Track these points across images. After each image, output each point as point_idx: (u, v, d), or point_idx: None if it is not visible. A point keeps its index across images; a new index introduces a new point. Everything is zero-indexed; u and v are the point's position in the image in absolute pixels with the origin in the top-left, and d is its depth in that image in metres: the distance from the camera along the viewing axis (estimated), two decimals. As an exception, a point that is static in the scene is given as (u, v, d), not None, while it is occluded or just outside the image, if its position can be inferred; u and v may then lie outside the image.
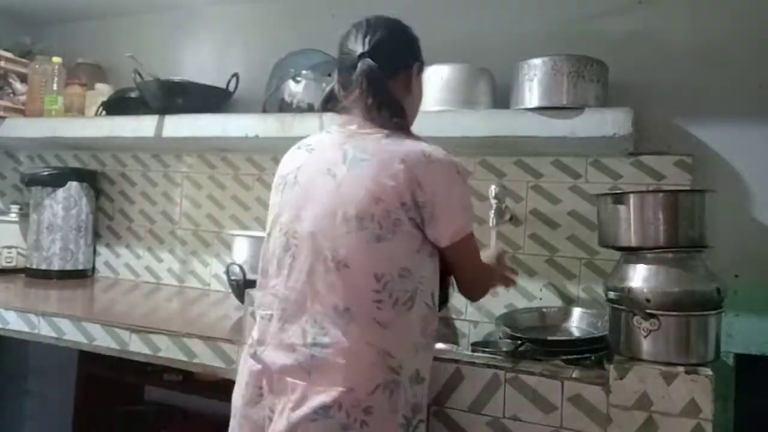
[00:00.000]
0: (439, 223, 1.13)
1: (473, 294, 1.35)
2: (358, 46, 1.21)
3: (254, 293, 1.46)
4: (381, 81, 1.18)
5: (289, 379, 1.11)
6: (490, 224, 1.74)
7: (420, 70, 1.29)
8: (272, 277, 1.19)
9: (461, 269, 1.24)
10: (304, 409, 1.06)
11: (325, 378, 1.07)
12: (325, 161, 1.17)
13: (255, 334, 1.22)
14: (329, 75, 1.91)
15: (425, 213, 1.12)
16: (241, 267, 1.76)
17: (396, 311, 1.09)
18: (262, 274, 1.24)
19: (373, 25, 1.23)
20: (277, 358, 1.14)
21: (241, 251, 1.88)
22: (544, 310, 1.72)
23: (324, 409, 1.05)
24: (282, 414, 1.09)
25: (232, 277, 1.80)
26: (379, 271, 1.09)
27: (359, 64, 1.18)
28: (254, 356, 1.19)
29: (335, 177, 1.14)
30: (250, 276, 1.75)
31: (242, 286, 1.72)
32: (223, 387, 1.58)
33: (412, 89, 1.27)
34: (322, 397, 1.06)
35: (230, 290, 1.88)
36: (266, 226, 1.27)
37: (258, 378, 1.17)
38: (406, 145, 1.14)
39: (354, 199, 1.10)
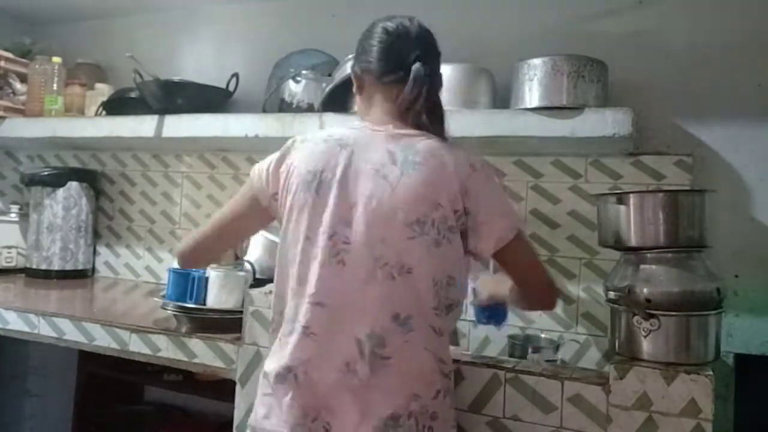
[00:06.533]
0: (482, 231, 1.11)
1: (543, 296, 1.24)
2: (413, 46, 1.18)
3: (254, 293, 1.46)
4: (437, 88, 1.20)
5: (345, 395, 1.05)
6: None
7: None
8: (312, 285, 1.09)
9: (521, 271, 1.20)
10: (373, 422, 1.03)
11: (386, 388, 1.04)
12: (370, 162, 1.11)
13: (290, 350, 1.09)
14: (329, 75, 1.91)
15: (470, 221, 1.11)
16: (252, 264, 1.73)
17: (442, 318, 1.09)
18: (299, 282, 1.10)
19: (424, 31, 1.22)
20: (326, 372, 1.06)
21: (254, 249, 1.80)
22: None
23: (394, 419, 1.03)
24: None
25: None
26: (435, 276, 1.08)
27: (419, 66, 1.14)
28: (291, 375, 1.08)
29: (387, 179, 1.09)
30: (259, 275, 1.73)
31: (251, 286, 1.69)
32: (223, 387, 1.58)
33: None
34: (389, 407, 1.03)
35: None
36: (290, 224, 1.14)
37: (303, 397, 1.07)
38: (453, 151, 1.13)
39: (414, 203, 1.07)
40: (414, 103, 1.15)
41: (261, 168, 1.23)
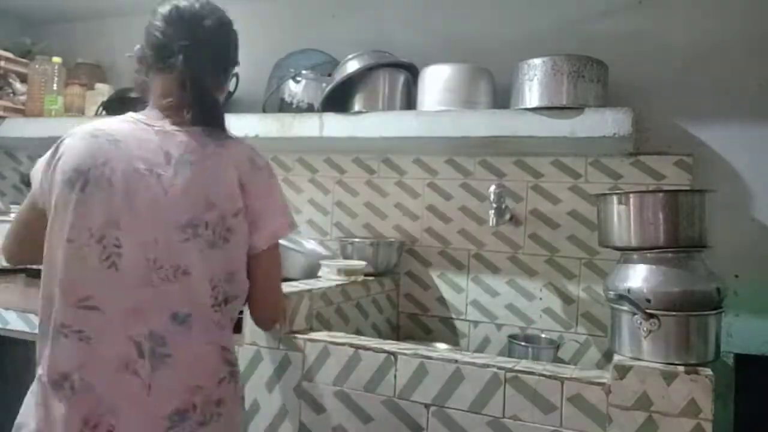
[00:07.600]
0: (259, 226, 1.14)
1: (272, 312, 1.25)
2: (182, 33, 1.12)
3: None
4: (204, 79, 1.14)
5: (127, 396, 1.03)
6: (490, 224, 1.75)
7: (234, 72, 1.27)
8: (84, 289, 1.04)
9: (270, 279, 1.20)
10: (157, 420, 1.04)
11: (169, 385, 1.05)
12: (143, 160, 1.07)
13: (66, 355, 1.04)
14: (329, 75, 1.91)
15: (249, 217, 1.12)
16: None
17: (222, 312, 1.11)
18: (68, 285, 1.05)
19: (200, 14, 1.15)
20: (104, 376, 1.03)
21: None
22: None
23: (179, 414, 1.05)
24: None
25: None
26: (214, 277, 1.09)
27: (181, 56, 1.11)
28: (67, 383, 1.03)
29: (160, 179, 1.07)
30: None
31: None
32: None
33: (225, 89, 1.25)
34: (172, 403, 1.05)
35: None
36: (55, 224, 1.08)
37: (82, 405, 1.02)
38: (233, 148, 1.13)
39: (186, 205, 1.07)
40: (183, 100, 1.12)
41: (36, 169, 1.18)
